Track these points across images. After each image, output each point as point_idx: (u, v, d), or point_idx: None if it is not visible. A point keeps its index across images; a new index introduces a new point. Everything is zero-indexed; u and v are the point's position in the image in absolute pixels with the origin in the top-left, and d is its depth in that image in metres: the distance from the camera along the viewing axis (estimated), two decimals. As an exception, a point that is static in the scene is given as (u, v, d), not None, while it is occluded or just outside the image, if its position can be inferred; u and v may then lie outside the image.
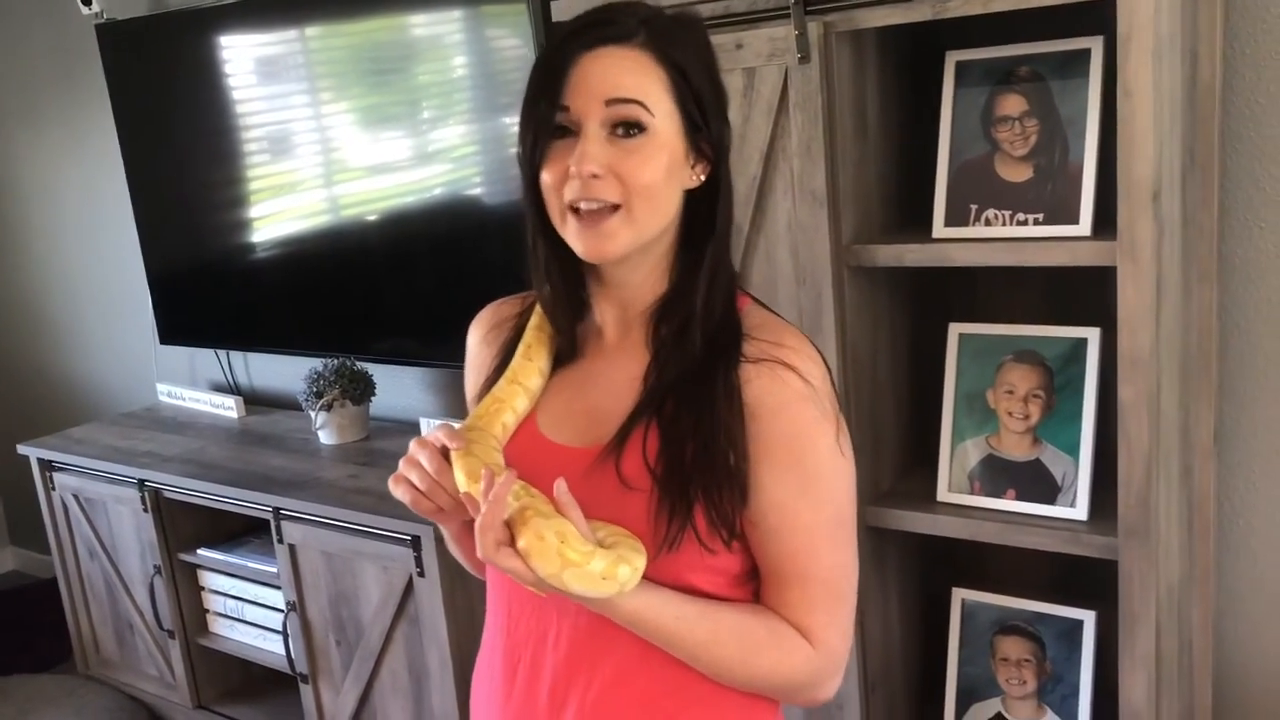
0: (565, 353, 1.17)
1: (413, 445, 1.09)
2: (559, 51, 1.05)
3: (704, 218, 1.11)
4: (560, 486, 1.00)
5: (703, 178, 1.10)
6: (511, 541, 0.99)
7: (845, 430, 1.10)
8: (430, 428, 2.66)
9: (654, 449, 1.07)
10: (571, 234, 1.07)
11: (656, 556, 1.04)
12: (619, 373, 1.13)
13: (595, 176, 1.03)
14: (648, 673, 1.10)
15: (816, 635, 1.09)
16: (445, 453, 1.07)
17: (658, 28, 1.06)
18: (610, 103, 1.03)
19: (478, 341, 1.27)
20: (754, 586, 1.13)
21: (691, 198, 1.10)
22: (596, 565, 0.98)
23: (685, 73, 1.06)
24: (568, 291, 1.14)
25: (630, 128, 1.03)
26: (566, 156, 1.04)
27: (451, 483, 1.06)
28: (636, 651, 1.10)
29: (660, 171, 1.04)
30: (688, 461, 1.05)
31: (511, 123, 2.30)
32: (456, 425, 1.10)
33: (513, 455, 1.11)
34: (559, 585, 0.99)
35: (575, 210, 1.05)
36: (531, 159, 1.07)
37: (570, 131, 1.04)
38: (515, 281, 1.29)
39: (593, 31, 1.05)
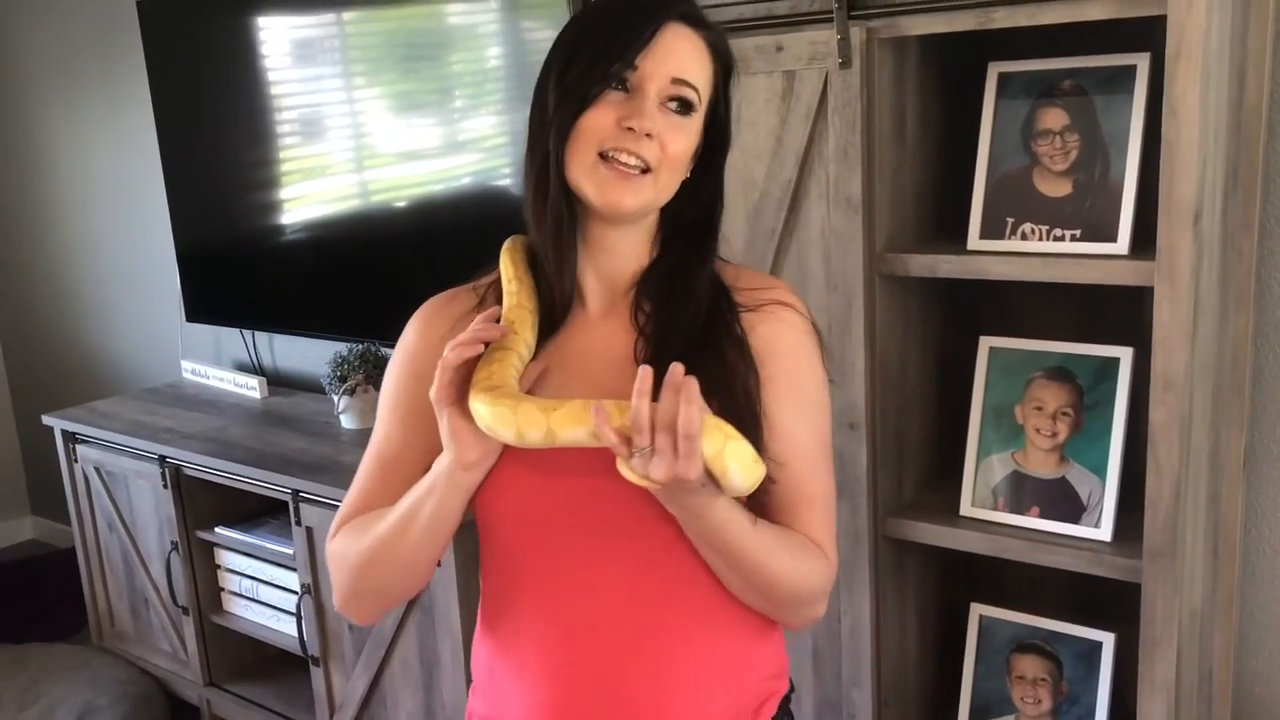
0: (544, 323, 1.15)
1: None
2: (649, 13, 1.08)
3: (681, 206, 1.15)
4: (676, 370, 0.94)
5: (687, 174, 1.14)
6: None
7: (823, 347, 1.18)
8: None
9: None
10: (596, 180, 1.08)
11: None
12: (611, 346, 1.14)
13: (649, 137, 1.07)
14: (707, 629, 1.12)
15: (826, 549, 1.14)
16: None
17: (716, 27, 1.12)
18: (676, 81, 1.08)
19: (435, 340, 1.17)
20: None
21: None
22: (749, 446, 0.99)
23: (728, 76, 1.15)
24: (562, 242, 1.14)
25: (684, 106, 1.09)
26: (616, 109, 1.07)
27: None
28: (691, 610, 1.11)
29: (690, 151, 1.12)
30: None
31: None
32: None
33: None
34: (718, 467, 0.97)
35: (604, 158, 1.07)
36: (582, 97, 1.07)
37: (625, 87, 1.07)
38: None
39: (679, 5, 1.09)
